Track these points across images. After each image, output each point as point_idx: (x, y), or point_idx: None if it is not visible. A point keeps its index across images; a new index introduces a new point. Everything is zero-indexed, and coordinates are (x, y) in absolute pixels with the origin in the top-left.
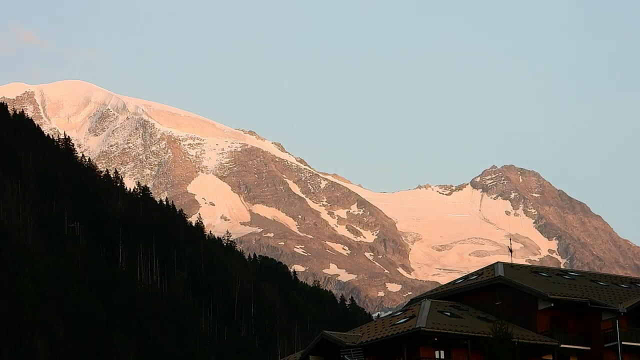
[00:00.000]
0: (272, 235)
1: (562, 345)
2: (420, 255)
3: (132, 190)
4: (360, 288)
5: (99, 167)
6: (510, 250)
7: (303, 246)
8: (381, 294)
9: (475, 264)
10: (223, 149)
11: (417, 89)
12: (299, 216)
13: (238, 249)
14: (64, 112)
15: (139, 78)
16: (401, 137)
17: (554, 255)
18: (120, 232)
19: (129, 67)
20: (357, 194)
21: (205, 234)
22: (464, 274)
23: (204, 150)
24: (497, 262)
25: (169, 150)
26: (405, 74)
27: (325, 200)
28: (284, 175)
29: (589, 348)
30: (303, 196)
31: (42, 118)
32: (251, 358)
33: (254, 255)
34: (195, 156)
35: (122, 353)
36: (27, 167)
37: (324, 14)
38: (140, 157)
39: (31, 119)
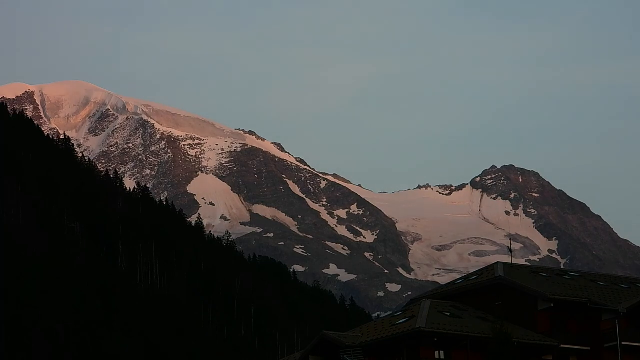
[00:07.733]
0: (272, 235)
1: (562, 345)
2: (420, 255)
3: (132, 190)
4: (360, 288)
5: (99, 167)
6: (510, 251)
7: (303, 246)
8: (381, 294)
9: (475, 264)
10: (223, 149)
11: (417, 88)
12: (299, 216)
13: (238, 249)
14: (63, 112)
15: (139, 78)
16: (401, 137)
17: (554, 255)
18: (120, 232)
19: (129, 67)
20: (357, 194)
21: (205, 234)
22: (464, 274)
23: (203, 150)
24: (497, 262)
25: (169, 151)
26: (405, 74)
27: (325, 200)
28: (284, 176)
29: (588, 348)
30: (303, 196)
31: (42, 118)
32: (251, 358)
33: (254, 255)
34: (195, 156)
35: (122, 353)
36: (27, 167)
37: (323, 15)
38: (140, 157)
39: (31, 119)
